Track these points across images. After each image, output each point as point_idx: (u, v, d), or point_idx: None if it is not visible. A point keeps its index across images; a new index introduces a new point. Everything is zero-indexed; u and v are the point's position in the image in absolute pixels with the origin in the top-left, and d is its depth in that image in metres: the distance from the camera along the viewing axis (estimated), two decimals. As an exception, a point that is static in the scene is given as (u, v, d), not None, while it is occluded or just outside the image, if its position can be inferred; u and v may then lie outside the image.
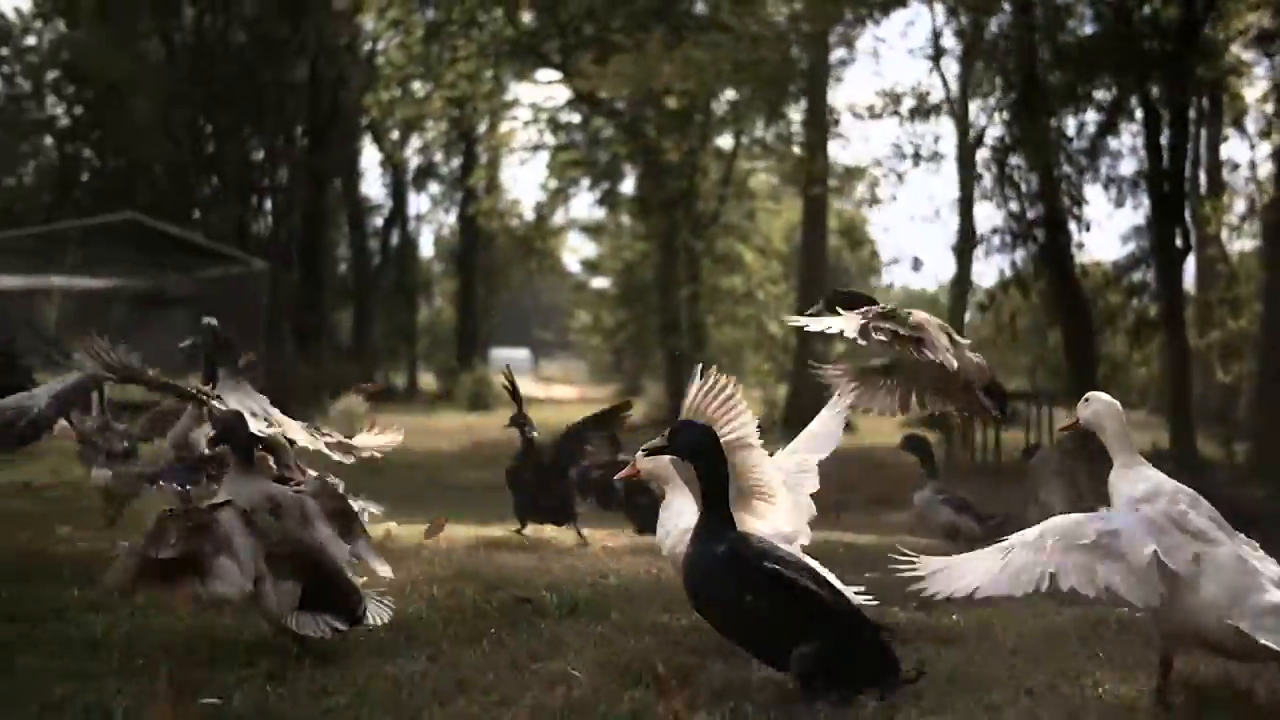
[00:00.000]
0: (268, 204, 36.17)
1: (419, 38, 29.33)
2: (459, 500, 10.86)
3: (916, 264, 23.86)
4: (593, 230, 43.19)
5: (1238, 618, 3.52)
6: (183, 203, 34.51)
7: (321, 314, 36.28)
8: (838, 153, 53.63)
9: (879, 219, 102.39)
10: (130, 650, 4.04)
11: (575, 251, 44.96)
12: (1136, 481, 3.83)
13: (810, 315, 5.01)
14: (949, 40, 24.41)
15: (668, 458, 4.51)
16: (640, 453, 4.56)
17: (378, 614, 4.04)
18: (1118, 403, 4.06)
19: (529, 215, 42.72)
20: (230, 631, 4.37)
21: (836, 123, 22.36)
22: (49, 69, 38.20)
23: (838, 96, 69.35)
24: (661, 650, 4.26)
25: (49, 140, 39.19)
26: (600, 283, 45.71)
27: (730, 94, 28.81)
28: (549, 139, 34.79)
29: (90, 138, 38.00)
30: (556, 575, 5.74)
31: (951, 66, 25.29)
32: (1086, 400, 4.14)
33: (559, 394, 45.44)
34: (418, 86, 31.61)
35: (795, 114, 28.39)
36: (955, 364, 4.88)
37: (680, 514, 4.54)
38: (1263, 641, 3.48)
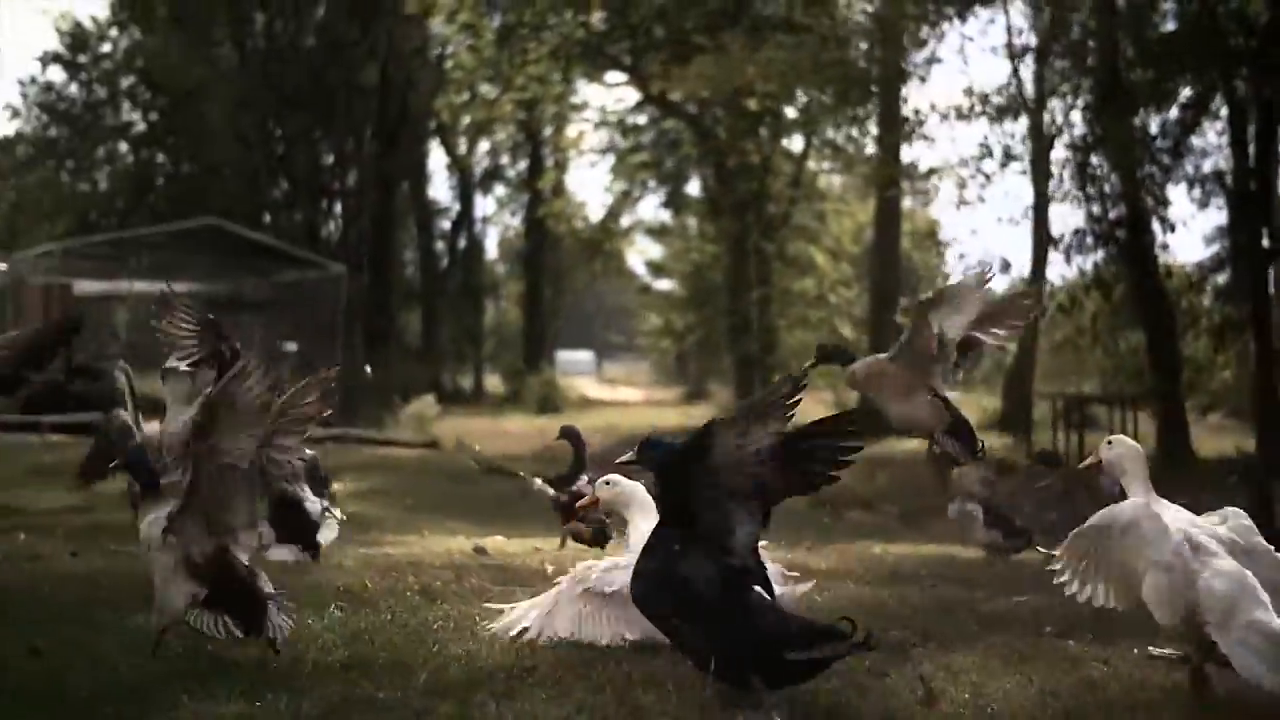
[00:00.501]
0: (337, 207, 36.33)
1: (490, 40, 29.31)
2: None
3: (1006, 265, 23.40)
4: (659, 233, 43.16)
5: (1221, 636, 3.86)
6: (254, 207, 34.72)
7: (390, 316, 36.40)
8: (923, 153, 52.85)
9: (964, 221, 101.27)
10: (287, 685, 3.86)
11: (642, 253, 44.87)
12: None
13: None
14: (1028, 38, 23.99)
15: (626, 488, 4.69)
16: (600, 482, 4.78)
17: (281, 625, 4.19)
18: (1139, 446, 4.35)
19: (595, 218, 42.78)
20: (385, 667, 4.19)
21: (921, 123, 22.03)
22: (124, 75, 38.59)
23: (921, 97, 68.74)
24: (853, 690, 4.02)
25: (123, 146, 39.58)
26: (664, 285, 45.66)
27: (802, 95, 28.64)
28: (618, 141, 34.70)
29: (165, 143, 38.32)
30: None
31: (1024, 65, 24.89)
32: (1110, 443, 4.41)
33: (624, 396, 45.40)
34: (487, 89, 31.63)
35: (871, 115, 28.10)
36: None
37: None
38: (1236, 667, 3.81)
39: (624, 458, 4.13)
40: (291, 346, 28.02)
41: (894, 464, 22.27)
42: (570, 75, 31.04)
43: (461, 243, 42.65)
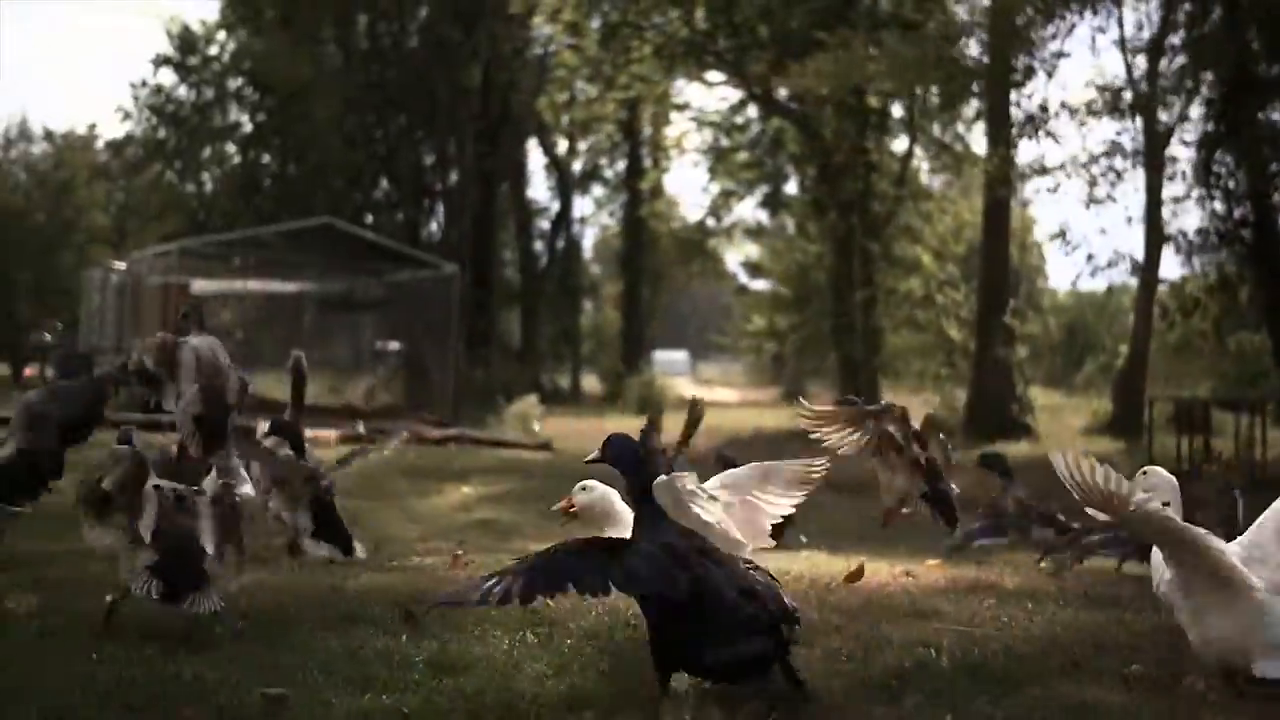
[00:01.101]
0: (438, 207, 36.47)
1: (593, 39, 29.20)
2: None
3: (1135, 267, 22.81)
4: (758, 233, 42.83)
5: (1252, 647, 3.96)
6: (357, 207, 34.98)
7: (490, 317, 36.46)
8: (1030, 151, 51.75)
9: (1097, 219, 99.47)
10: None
11: (742, 252, 44.46)
12: None
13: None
14: (1146, 32, 23.29)
15: (599, 493, 4.95)
16: (577, 487, 5.05)
17: (205, 604, 4.63)
18: (1172, 477, 4.61)
19: (690, 217, 42.58)
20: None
21: (1046, 119, 21.42)
22: (231, 77, 39.08)
23: (1037, 93, 67.60)
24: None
25: (230, 147, 40.08)
26: (761, 285, 45.29)
27: (909, 92, 28.17)
28: (719, 141, 34.41)
29: (270, 144, 38.74)
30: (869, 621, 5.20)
31: (1138, 60, 24.13)
32: (1145, 473, 4.66)
33: (720, 397, 45.06)
34: (587, 88, 31.54)
35: (981, 112, 27.55)
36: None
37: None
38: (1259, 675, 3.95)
39: (590, 456, 4.31)
40: (394, 345, 28.12)
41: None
42: (673, 74, 30.81)
43: (560, 243, 42.62)
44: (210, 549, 4.83)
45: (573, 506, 5.00)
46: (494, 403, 28.05)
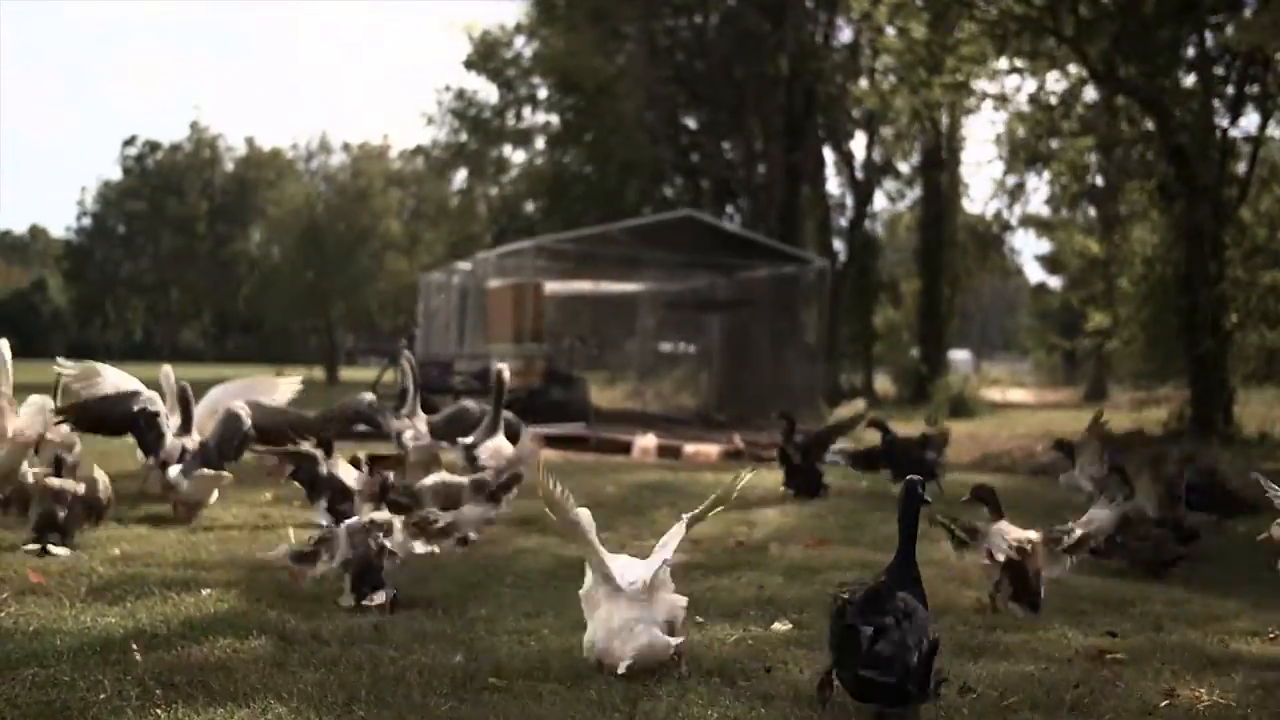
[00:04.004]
0: (741, 203, 35.42)
1: (924, 20, 27.67)
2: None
3: None
4: (1049, 226, 40.76)
5: None
6: (658, 204, 34.21)
7: (795, 315, 35.27)
8: None
9: None
10: None
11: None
12: None
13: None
14: None
15: None
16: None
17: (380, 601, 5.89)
18: None
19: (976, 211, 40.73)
20: None
21: None
22: (534, 77, 38.84)
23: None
24: None
25: (529, 150, 39.95)
26: (1055, 281, 43.05)
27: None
28: (1048, 127, 32.30)
29: (580, 142, 38.25)
30: None
31: None
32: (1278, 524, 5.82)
33: (1014, 398, 42.84)
34: (908, 75, 29.99)
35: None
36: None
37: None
38: None
39: None
40: (667, 347, 27.07)
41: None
42: (1006, 55, 28.99)
43: (858, 239, 41.01)
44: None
45: None
46: (814, 405, 26.81)
